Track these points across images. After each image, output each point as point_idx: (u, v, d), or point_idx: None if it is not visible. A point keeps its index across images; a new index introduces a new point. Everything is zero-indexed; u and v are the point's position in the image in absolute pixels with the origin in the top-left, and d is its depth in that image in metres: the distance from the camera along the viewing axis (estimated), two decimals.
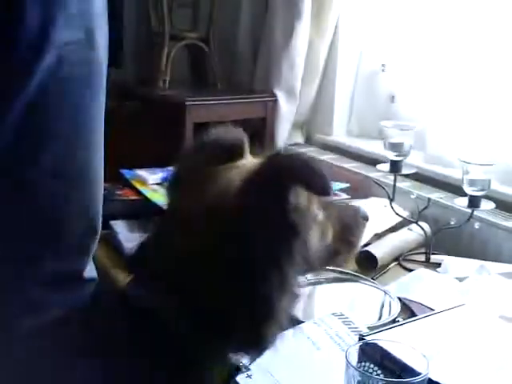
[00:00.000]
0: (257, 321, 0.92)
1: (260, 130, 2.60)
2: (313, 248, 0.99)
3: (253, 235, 0.90)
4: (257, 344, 0.97)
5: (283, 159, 0.95)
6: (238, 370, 1.09)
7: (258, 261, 0.90)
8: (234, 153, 1.03)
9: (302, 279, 1.01)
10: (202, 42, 2.80)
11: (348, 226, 1.13)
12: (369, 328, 1.30)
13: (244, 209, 0.90)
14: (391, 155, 1.79)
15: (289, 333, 1.28)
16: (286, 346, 1.24)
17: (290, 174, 0.91)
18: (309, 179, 0.92)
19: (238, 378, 1.15)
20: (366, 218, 1.17)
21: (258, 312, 0.92)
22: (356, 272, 1.63)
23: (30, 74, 0.89)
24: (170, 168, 2.04)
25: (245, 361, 1.13)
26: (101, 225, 1.09)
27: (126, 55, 2.94)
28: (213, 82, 2.75)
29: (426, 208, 1.81)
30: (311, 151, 2.59)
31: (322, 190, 0.94)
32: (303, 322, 1.33)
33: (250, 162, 1.02)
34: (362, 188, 2.16)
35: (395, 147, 1.77)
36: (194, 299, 0.93)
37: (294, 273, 0.93)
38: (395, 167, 1.78)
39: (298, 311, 1.43)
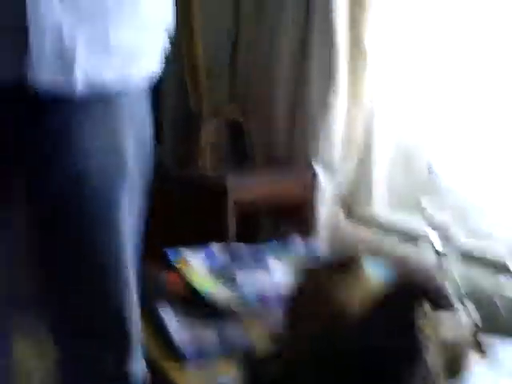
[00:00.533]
0: None
1: (301, 207, 2.61)
2: (432, 367, 1.00)
3: (385, 352, 0.94)
4: None
5: (409, 278, 1.02)
6: None
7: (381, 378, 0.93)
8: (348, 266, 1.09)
9: None
10: (239, 117, 2.83)
11: (459, 355, 1.11)
12: None
13: (377, 329, 0.96)
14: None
15: None
16: None
17: (417, 294, 0.97)
18: (433, 299, 0.98)
19: None
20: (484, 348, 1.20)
21: None
22: None
23: None
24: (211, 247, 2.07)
25: None
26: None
27: (165, 135, 2.98)
28: (251, 159, 2.77)
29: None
30: (352, 226, 2.58)
31: (443, 304, 1.01)
32: None
33: (366, 277, 1.08)
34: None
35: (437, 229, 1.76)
36: None
37: None
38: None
39: None
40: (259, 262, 2.00)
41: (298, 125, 2.71)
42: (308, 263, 1.17)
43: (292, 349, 1.06)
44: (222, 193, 2.39)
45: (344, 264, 1.11)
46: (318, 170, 2.60)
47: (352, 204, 2.75)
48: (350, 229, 2.56)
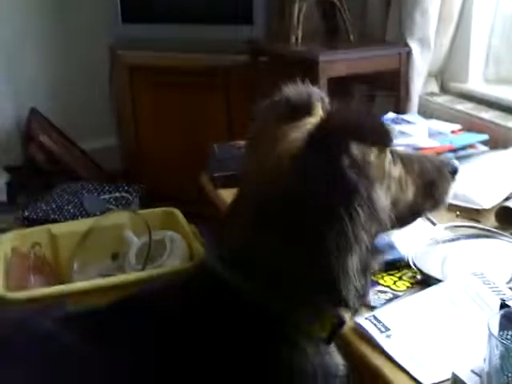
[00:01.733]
0: (328, 281, 0.91)
1: (395, 82, 2.57)
2: (381, 204, 0.94)
3: (310, 195, 0.89)
4: (339, 304, 0.95)
5: (338, 116, 0.95)
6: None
7: (317, 220, 0.89)
8: (303, 111, 1.00)
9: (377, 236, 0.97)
10: None
11: (432, 180, 1.08)
12: (510, 288, 1.28)
13: (301, 169, 0.90)
14: None
15: (428, 291, 1.30)
16: (425, 305, 1.26)
17: (345, 130, 0.91)
18: (364, 132, 0.92)
19: (378, 339, 1.18)
20: (454, 171, 1.12)
21: (326, 271, 0.90)
22: (496, 228, 1.60)
23: None
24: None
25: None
26: None
27: (257, 13, 2.96)
28: (345, 35, 2.72)
29: None
30: (447, 100, 2.53)
31: (381, 142, 0.94)
32: (442, 280, 1.33)
33: (314, 121, 0.99)
34: (501, 139, 2.11)
35: None
36: (263, 264, 0.93)
37: (360, 230, 0.90)
38: None
39: (438, 269, 1.44)
40: None
41: (393, 2, 2.63)
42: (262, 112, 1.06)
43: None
44: (314, 68, 2.37)
45: (298, 111, 1.00)
46: (413, 45, 2.54)
47: (447, 79, 2.70)
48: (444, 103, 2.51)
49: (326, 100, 1.06)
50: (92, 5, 3.47)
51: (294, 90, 1.06)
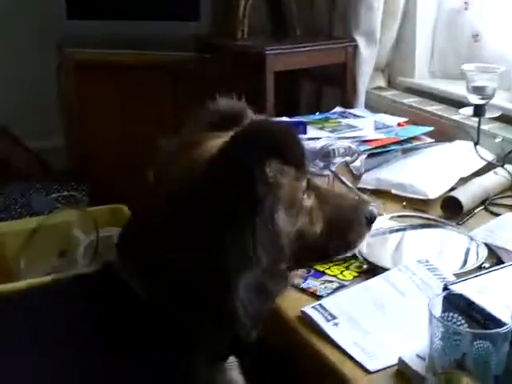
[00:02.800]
0: (219, 294, 0.88)
1: (341, 76, 2.58)
2: (282, 228, 0.91)
3: (214, 203, 0.87)
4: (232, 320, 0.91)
5: (258, 130, 0.92)
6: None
7: (216, 230, 0.87)
8: (231, 122, 1.00)
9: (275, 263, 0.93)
10: None
11: (345, 222, 1.04)
12: (454, 275, 1.30)
13: (210, 176, 0.88)
14: (474, 99, 1.76)
15: (374, 280, 1.31)
16: (372, 293, 1.27)
17: (263, 146, 0.89)
18: (281, 150, 0.89)
19: (325, 327, 1.18)
20: (371, 219, 1.07)
21: (218, 285, 0.88)
22: (441, 217, 1.63)
23: None
24: None
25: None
26: None
27: (204, 8, 2.96)
28: (291, 29, 2.73)
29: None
30: (394, 94, 2.56)
31: (295, 162, 0.92)
32: (389, 269, 1.35)
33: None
34: (446, 131, 2.13)
35: (478, 90, 1.74)
36: (160, 268, 0.91)
37: (258, 248, 0.87)
38: (479, 111, 1.76)
39: (385, 258, 1.46)
40: (299, 132, 2.01)
41: None
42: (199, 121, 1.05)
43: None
44: (260, 62, 2.37)
45: (226, 121, 1.00)
46: (359, 39, 2.56)
47: (394, 74, 2.73)
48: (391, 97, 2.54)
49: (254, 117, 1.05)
50: (36, 1, 3.42)
51: (226, 102, 1.05)
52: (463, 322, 0.93)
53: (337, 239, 1.04)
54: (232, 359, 1.02)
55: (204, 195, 0.88)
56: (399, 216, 1.63)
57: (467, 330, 0.89)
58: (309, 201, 0.99)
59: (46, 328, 0.91)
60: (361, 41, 2.55)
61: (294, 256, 0.96)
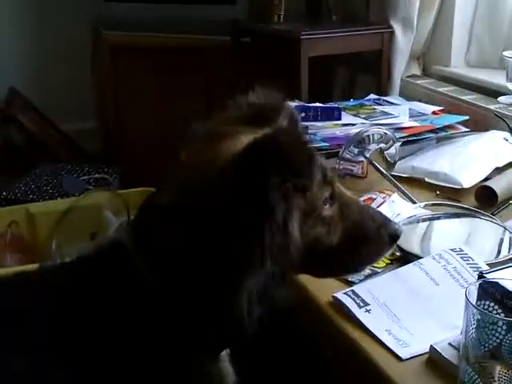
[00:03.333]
0: (221, 294, 0.89)
1: (376, 63, 2.56)
2: (294, 237, 0.90)
3: (227, 202, 0.87)
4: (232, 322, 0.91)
5: (285, 136, 0.89)
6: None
7: (226, 230, 0.87)
8: (264, 118, 0.98)
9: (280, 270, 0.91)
10: None
11: (366, 238, 1.00)
12: (488, 265, 1.29)
13: (229, 174, 0.87)
14: None
15: (407, 267, 1.30)
16: (404, 281, 1.26)
17: (285, 154, 0.86)
18: (286, 164, 0.87)
19: (357, 313, 1.18)
20: (394, 237, 1.02)
21: (221, 285, 0.88)
22: (475, 207, 1.61)
23: None
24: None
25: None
26: None
27: None
28: (328, 15, 2.71)
29: None
30: (429, 83, 2.53)
31: (299, 176, 0.89)
32: (422, 257, 1.33)
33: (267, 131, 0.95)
34: (481, 121, 2.11)
35: None
36: (167, 255, 0.91)
37: (267, 255, 0.86)
38: None
39: (418, 246, 1.44)
40: (333, 118, 1.99)
41: None
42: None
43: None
44: (295, 47, 2.35)
45: (262, 117, 0.97)
46: (396, 26, 2.53)
47: (429, 62, 2.70)
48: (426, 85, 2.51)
49: (294, 113, 1.03)
50: None
51: (264, 94, 1.02)
52: (499, 311, 0.92)
53: (354, 254, 1.00)
54: (224, 352, 1.01)
55: (220, 193, 0.87)
56: (433, 204, 1.61)
57: (503, 318, 0.88)
58: (329, 210, 0.96)
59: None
60: (397, 28, 2.52)
61: (304, 264, 0.95)
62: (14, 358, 0.86)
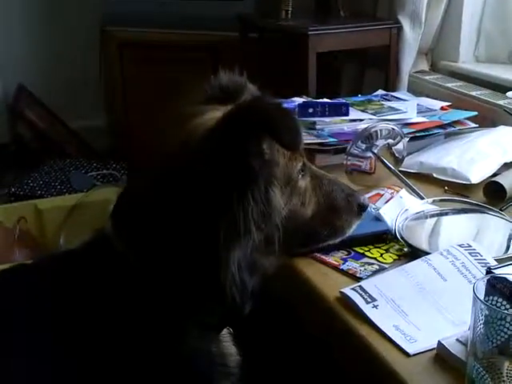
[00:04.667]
0: (210, 268, 0.89)
1: (384, 59, 2.56)
2: (276, 204, 0.91)
3: (207, 174, 0.87)
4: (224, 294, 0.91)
5: (255, 105, 0.91)
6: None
7: (208, 201, 0.87)
8: (231, 96, 1.01)
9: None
10: None
11: (337, 208, 1.06)
12: (496, 260, 1.28)
13: (206, 147, 0.88)
14: None
15: (415, 263, 1.30)
16: (412, 277, 1.26)
17: (262, 122, 0.88)
18: (277, 129, 0.88)
19: (364, 309, 1.17)
20: (362, 208, 1.09)
21: (209, 258, 0.88)
22: (484, 203, 1.60)
23: None
24: (293, 99, 2.07)
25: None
26: None
27: None
28: (336, 10, 2.70)
29: None
30: (437, 78, 2.52)
31: (290, 143, 0.90)
32: (430, 253, 1.33)
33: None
34: (490, 116, 2.10)
35: None
36: (153, 236, 0.91)
37: (250, 223, 0.87)
38: None
39: (425, 241, 1.44)
40: (341, 113, 1.99)
41: None
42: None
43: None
44: (303, 43, 2.35)
45: (227, 95, 1.02)
46: (404, 21, 2.52)
47: (438, 58, 2.69)
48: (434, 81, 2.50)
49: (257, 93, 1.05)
50: None
51: (227, 76, 1.06)
52: (507, 306, 0.91)
53: (327, 224, 1.05)
54: (225, 331, 1.02)
55: (197, 167, 0.88)
56: (441, 200, 1.60)
57: (511, 314, 0.87)
58: (303, 181, 0.99)
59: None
60: (405, 23, 2.52)
61: (283, 237, 0.96)
62: None
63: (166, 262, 0.91)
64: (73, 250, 1.00)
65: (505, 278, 0.93)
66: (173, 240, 0.90)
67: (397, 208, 1.48)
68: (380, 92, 2.30)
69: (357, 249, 1.38)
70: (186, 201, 0.89)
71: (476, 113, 2.05)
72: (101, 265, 0.93)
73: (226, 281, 0.88)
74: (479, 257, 1.29)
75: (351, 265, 1.33)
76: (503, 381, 0.89)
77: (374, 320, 1.15)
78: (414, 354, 1.08)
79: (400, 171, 1.71)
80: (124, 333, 0.89)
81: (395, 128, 1.72)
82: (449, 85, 2.41)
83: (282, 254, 1.02)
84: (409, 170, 1.77)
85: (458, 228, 1.54)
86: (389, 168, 1.67)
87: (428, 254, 1.32)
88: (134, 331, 0.90)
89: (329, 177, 1.09)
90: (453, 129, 1.98)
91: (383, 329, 1.13)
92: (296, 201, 0.98)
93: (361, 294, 1.21)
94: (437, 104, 2.12)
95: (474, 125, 2.02)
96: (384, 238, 1.42)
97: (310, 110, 1.93)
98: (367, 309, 1.17)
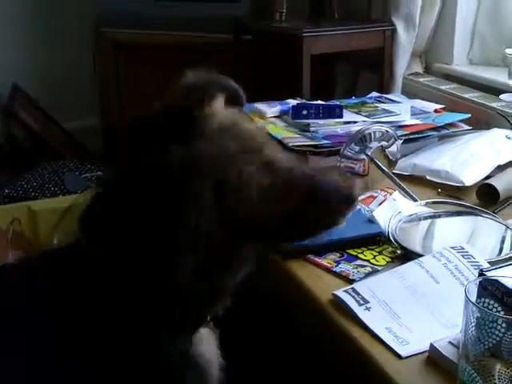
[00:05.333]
0: (159, 264, 0.88)
1: (378, 61, 2.56)
2: (232, 208, 0.87)
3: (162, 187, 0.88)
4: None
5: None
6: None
7: (161, 209, 0.88)
8: (198, 95, 0.99)
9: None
10: None
11: (323, 202, 0.90)
12: (489, 263, 1.28)
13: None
14: None
15: (408, 265, 1.30)
16: (404, 279, 1.26)
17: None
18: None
19: (357, 311, 1.17)
20: (349, 200, 0.92)
21: (158, 257, 0.88)
22: (477, 205, 1.60)
23: None
24: (288, 101, 2.07)
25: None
26: None
27: None
28: (330, 12, 2.70)
29: None
30: (431, 81, 2.53)
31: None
32: (423, 255, 1.33)
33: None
34: (483, 119, 2.10)
35: None
36: (118, 237, 0.91)
37: (204, 226, 0.86)
38: None
39: (418, 244, 1.44)
40: (335, 115, 1.99)
41: None
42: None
43: None
44: (297, 45, 2.36)
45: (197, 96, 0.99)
46: (398, 23, 2.53)
47: (432, 60, 2.70)
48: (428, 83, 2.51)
49: (231, 86, 1.03)
50: None
51: (192, 75, 1.03)
52: (499, 309, 0.91)
53: (312, 218, 0.92)
54: (206, 332, 1.01)
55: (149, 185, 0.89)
56: (434, 202, 1.61)
57: (503, 316, 0.87)
58: (267, 180, 0.89)
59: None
60: (399, 25, 2.52)
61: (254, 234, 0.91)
62: None
63: (130, 264, 0.90)
64: (52, 250, 1.00)
65: (497, 281, 0.93)
66: (130, 241, 0.90)
67: (390, 210, 1.48)
68: (374, 94, 2.31)
69: (350, 251, 1.38)
70: (142, 203, 0.89)
71: (469, 115, 2.06)
72: (72, 265, 0.93)
73: (179, 284, 0.88)
74: (472, 259, 1.29)
75: (344, 267, 1.33)
76: (494, 383, 0.89)
77: (366, 322, 1.15)
78: (407, 357, 1.08)
79: (393, 173, 1.71)
80: (93, 333, 0.89)
81: (389, 130, 1.72)
82: (443, 87, 2.41)
83: (265, 249, 1.01)
84: (402, 173, 1.77)
85: (451, 230, 1.55)
86: (382, 170, 1.67)
87: (421, 256, 1.32)
88: (103, 332, 0.89)
89: (308, 170, 0.96)
90: (446, 131, 1.98)
91: (376, 331, 1.13)
92: (258, 198, 0.88)
93: (353, 296, 1.21)
94: (430, 106, 2.13)
95: (467, 127, 2.02)
96: (377, 240, 1.42)
97: (304, 112, 1.94)
98: (360, 311, 1.17)
